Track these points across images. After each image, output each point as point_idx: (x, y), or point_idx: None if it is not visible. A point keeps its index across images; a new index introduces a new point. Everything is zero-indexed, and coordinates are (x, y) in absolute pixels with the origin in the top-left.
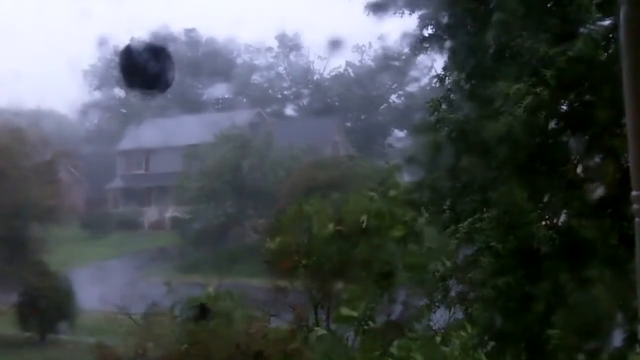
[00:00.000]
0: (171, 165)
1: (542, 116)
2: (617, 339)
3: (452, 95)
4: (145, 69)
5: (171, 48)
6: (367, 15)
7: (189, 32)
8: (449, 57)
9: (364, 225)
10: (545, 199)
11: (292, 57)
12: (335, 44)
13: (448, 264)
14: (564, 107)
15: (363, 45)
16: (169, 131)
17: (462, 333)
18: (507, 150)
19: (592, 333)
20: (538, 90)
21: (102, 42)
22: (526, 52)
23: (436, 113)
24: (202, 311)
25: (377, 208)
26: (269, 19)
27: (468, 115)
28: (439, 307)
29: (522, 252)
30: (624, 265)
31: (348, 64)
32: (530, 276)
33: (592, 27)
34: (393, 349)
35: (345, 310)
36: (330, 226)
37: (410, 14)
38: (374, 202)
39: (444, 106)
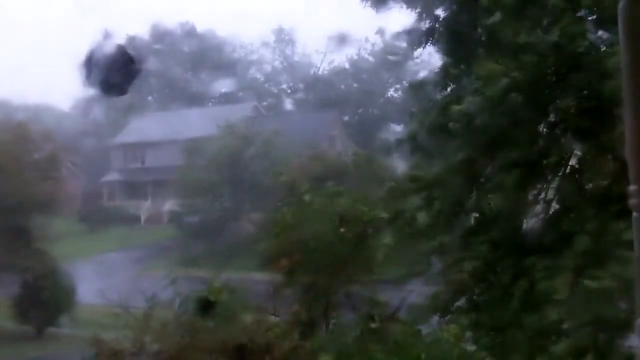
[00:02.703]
0: (167, 159)
1: (515, 97)
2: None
3: (444, 81)
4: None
5: (167, 42)
6: (365, 7)
7: (184, 25)
8: (440, 45)
9: (364, 224)
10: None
11: (289, 51)
12: (338, 39)
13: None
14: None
15: (361, 40)
16: (164, 125)
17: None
18: (475, 131)
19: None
20: (514, 74)
21: (106, 36)
22: (507, 39)
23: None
24: (205, 306)
25: (377, 204)
26: (267, 13)
27: (449, 98)
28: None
29: (506, 243)
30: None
31: (346, 58)
32: (512, 267)
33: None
34: (392, 345)
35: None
36: (331, 223)
37: (410, 9)
38: (375, 197)
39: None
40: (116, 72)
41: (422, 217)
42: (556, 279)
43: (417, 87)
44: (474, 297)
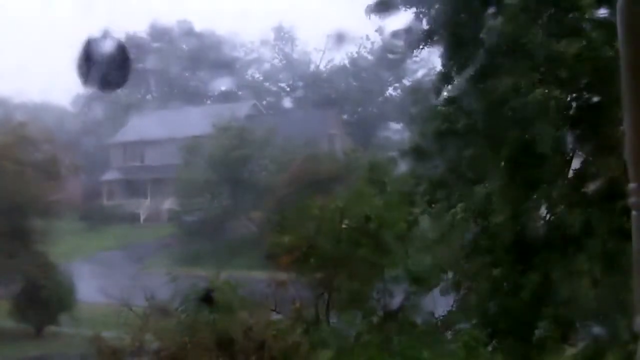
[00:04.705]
0: (167, 157)
1: (554, 114)
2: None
3: (448, 89)
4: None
5: (165, 40)
6: (369, 17)
7: (181, 23)
8: (447, 52)
9: (367, 221)
10: (538, 192)
11: (288, 49)
12: (337, 37)
13: (444, 254)
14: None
15: (361, 38)
16: (163, 123)
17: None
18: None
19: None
20: (546, 90)
21: (105, 34)
22: (533, 48)
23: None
24: (208, 298)
25: (380, 203)
26: (266, 11)
27: (469, 109)
28: (430, 291)
29: (514, 245)
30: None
31: (346, 56)
32: (522, 266)
33: (592, 21)
34: (396, 344)
35: (348, 316)
36: (336, 222)
37: (407, 8)
38: (378, 196)
39: (440, 99)
40: (115, 69)
41: (430, 226)
42: (576, 282)
43: (416, 91)
44: (492, 303)
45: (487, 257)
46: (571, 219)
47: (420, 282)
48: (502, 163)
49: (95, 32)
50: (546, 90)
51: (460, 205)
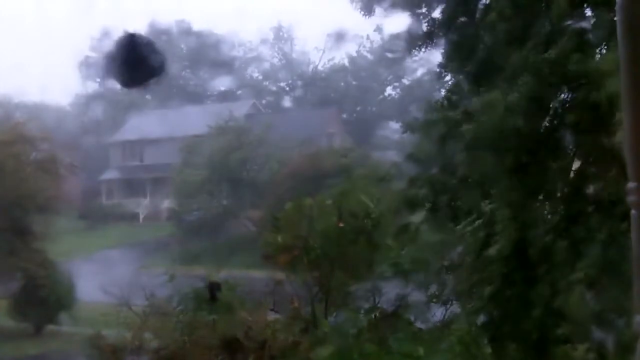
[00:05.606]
0: (166, 156)
1: (519, 121)
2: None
3: (452, 96)
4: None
5: (164, 40)
6: (355, 9)
7: (179, 23)
8: (446, 54)
9: (364, 221)
10: (541, 196)
11: (287, 48)
12: (336, 36)
13: (444, 262)
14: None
15: (360, 37)
16: (163, 122)
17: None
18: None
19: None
20: (508, 98)
21: (105, 33)
22: (507, 58)
23: (436, 113)
24: (212, 289)
25: (376, 204)
26: (265, 10)
27: (467, 113)
28: (435, 301)
29: (515, 257)
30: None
31: (346, 55)
32: (525, 280)
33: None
34: (392, 342)
35: (349, 312)
36: (331, 221)
37: (405, 11)
38: (374, 197)
39: (444, 104)
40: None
41: (429, 231)
42: (571, 294)
43: (437, 107)
44: (494, 313)
45: (485, 271)
46: (572, 226)
47: (410, 275)
48: (506, 166)
49: (94, 31)
50: (508, 117)
51: (468, 222)
